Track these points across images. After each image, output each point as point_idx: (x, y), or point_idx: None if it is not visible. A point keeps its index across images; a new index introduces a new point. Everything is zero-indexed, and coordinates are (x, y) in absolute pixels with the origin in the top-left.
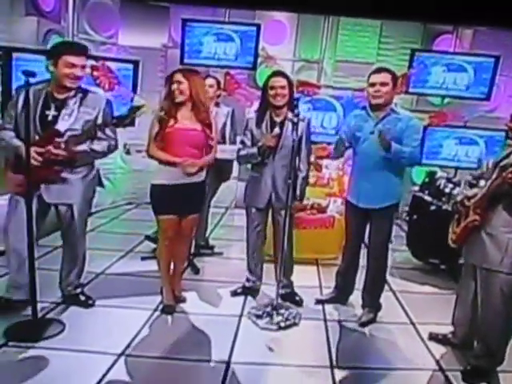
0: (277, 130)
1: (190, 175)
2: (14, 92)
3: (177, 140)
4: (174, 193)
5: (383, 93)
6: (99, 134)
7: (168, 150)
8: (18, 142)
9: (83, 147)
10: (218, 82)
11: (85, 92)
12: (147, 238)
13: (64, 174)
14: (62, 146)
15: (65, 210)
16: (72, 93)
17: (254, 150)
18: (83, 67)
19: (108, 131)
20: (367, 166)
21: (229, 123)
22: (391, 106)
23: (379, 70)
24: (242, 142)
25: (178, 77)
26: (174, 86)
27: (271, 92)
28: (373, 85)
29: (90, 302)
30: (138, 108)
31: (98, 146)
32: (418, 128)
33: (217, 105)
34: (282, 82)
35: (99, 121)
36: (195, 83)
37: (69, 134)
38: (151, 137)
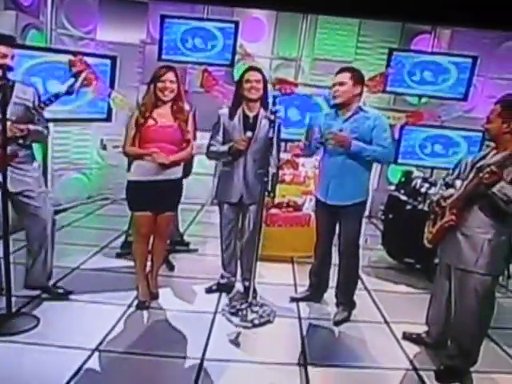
0: (249, 133)
1: (164, 170)
2: None
3: (154, 137)
4: (150, 189)
5: (341, 92)
6: (33, 115)
7: (145, 147)
8: None
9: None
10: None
11: (11, 81)
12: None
13: (21, 165)
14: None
15: (26, 201)
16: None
17: (225, 147)
18: (12, 57)
19: (40, 109)
20: (335, 164)
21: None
22: (359, 105)
23: (340, 71)
24: (213, 138)
25: (170, 76)
26: (166, 85)
27: (246, 85)
28: (333, 85)
29: (62, 293)
30: (80, 72)
31: (40, 127)
32: (385, 126)
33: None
34: (258, 76)
35: (32, 107)
36: (180, 81)
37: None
38: (129, 136)
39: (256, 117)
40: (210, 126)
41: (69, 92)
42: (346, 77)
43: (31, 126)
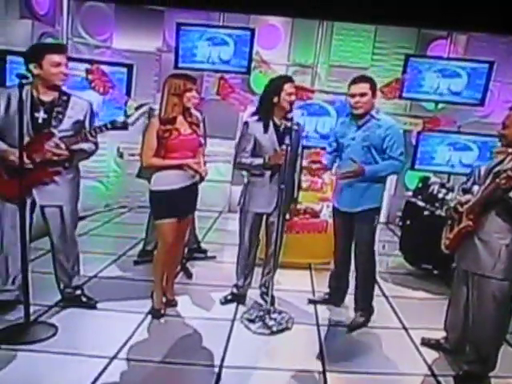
0: (284, 147)
1: (189, 176)
2: None
3: (178, 147)
4: (177, 196)
5: (363, 103)
6: (88, 137)
7: (169, 157)
8: (3, 146)
9: (76, 147)
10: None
11: (67, 95)
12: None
13: (56, 176)
14: (62, 145)
15: (54, 212)
16: (57, 95)
17: (260, 161)
18: (66, 65)
19: (93, 133)
20: (369, 173)
21: (202, 128)
22: (371, 112)
23: (357, 80)
24: (243, 148)
25: (191, 85)
26: (192, 94)
27: (289, 98)
28: (353, 96)
29: (92, 302)
30: (141, 106)
31: (86, 145)
32: (397, 135)
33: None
34: (294, 88)
35: (87, 124)
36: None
37: (60, 135)
38: (150, 147)
39: (286, 128)
40: (227, 134)
41: (125, 125)
42: (366, 87)
43: (75, 147)
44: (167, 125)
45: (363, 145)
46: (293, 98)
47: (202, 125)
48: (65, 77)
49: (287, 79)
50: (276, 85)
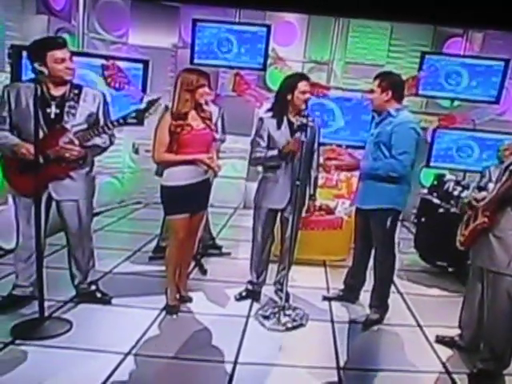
0: (299, 134)
1: (202, 171)
2: None
3: (191, 142)
4: (189, 192)
5: (371, 99)
6: (102, 131)
7: (182, 152)
8: (16, 140)
9: (91, 142)
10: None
11: (78, 87)
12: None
13: (71, 172)
14: (76, 141)
15: (70, 207)
16: (68, 88)
17: (275, 152)
18: (70, 59)
19: (106, 128)
20: (364, 168)
21: (220, 123)
22: (389, 109)
23: (374, 77)
24: (257, 144)
25: (204, 81)
26: (204, 90)
27: (303, 96)
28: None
29: (107, 298)
30: (154, 102)
31: (100, 140)
32: (404, 134)
33: (205, 103)
34: (309, 86)
35: (100, 115)
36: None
37: (74, 129)
38: (162, 143)
39: (301, 124)
40: (242, 130)
41: (139, 118)
42: (375, 84)
43: (88, 148)
44: (179, 120)
45: (375, 141)
46: (307, 96)
47: (220, 120)
48: (71, 71)
49: (302, 77)
50: (290, 82)
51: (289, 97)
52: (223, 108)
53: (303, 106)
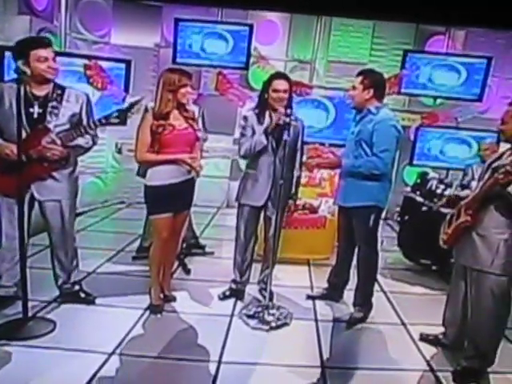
0: (282, 110)
1: (185, 171)
2: None
3: (173, 142)
4: (172, 191)
5: (351, 96)
6: (85, 131)
7: (164, 152)
8: None
9: (74, 142)
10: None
11: (61, 88)
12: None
13: (53, 172)
14: (58, 141)
15: (52, 207)
16: (51, 88)
17: (261, 137)
18: (54, 59)
19: (88, 128)
20: (345, 166)
21: (201, 122)
22: (369, 107)
23: (357, 74)
24: (243, 135)
25: (186, 80)
26: (187, 89)
27: (274, 95)
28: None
29: (91, 298)
30: (136, 102)
31: (83, 140)
32: (385, 132)
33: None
34: (285, 85)
35: (83, 116)
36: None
37: (57, 130)
38: (144, 143)
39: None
40: (225, 129)
41: (119, 116)
42: (357, 81)
43: (70, 149)
44: (161, 120)
45: (356, 139)
46: (280, 94)
47: (200, 118)
48: (53, 71)
49: (276, 76)
50: (266, 81)
51: (265, 95)
52: (203, 107)
53: (278, 104)
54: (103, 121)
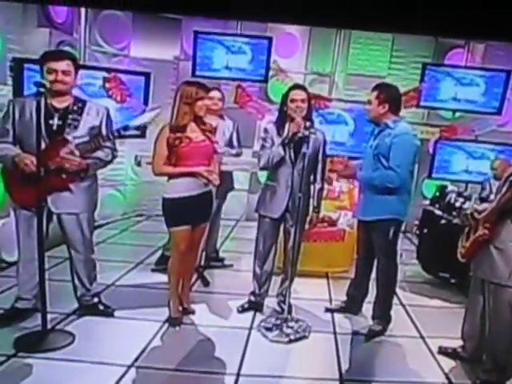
0: (299, 119)
1: (203, 183)
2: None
3: (190, 155)
4: (189, 204)
5: (367, 110)
6: (103, 142)
7: (181, 164)
8: (16, 150)
9: (93, 155)
10: (223, 94)
11: (82, 101)
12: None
13: (71, 184)
14: (77, 152)
15: (70, 221)
16: (71, 101)
17: (279, 148)
18: (64, 72)
19: (106, 138)
20: (363, 179)
21: (235, 136)
22: (386, 121)
23: (372, 88)
24: (263, 147)
25: (203, 93)
26: (204, 102)
27: (292, 105)
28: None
29: (110, 310)
30: (156, 113)
31: (103, 153)
32: (403, 146)
33: (221, 117)
34: (303, 95)
35: (103, 129)
36: None
37: (76, 141)
38: (161, 155)
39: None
40: (245, 142)
41: (140, 129)
42: (373, 96)
43: (89, 161)
44: (177, 132)
45: (374, 153)
46: (298, 104)
47: (235, 133)
48: (60, 84)
49: (293, 87)
50: (285, 94)
51: (285, 108)
52: (237, 122)
53: (296, 115)
54: (121, 132)
